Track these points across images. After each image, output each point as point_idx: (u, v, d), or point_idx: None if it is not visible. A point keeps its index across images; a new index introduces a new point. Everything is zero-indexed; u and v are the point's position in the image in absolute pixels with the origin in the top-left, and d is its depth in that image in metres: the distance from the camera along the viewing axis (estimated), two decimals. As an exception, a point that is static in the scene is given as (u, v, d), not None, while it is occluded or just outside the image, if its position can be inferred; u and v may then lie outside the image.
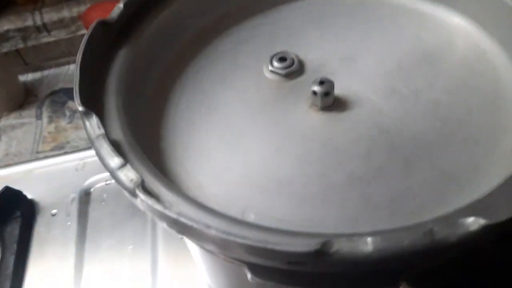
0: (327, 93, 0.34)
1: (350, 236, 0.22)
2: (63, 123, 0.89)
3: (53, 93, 0.95)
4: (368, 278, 0.25)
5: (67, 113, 0.90)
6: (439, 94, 0.35)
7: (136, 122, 0.32)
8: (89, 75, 0.31)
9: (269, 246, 0.21)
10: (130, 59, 0.34)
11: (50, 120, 0.90)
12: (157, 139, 0.33)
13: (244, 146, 0.33)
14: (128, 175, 0.25)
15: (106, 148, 0.26)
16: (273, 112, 0.35)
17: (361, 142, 0.33)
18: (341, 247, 0.21)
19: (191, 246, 0.38)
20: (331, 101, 0.35)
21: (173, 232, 0.51)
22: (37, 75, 1.00)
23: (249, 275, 0.26)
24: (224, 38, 0.41)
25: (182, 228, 0.23)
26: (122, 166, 0.25)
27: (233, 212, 0.29)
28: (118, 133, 0.29)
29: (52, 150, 0.86)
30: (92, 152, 0.61)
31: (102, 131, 0.27)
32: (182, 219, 0.22)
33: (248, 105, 0.36)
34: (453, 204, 0.28)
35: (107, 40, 0.35)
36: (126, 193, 0.25)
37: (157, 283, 0.51)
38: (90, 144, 0.28)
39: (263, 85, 0.37)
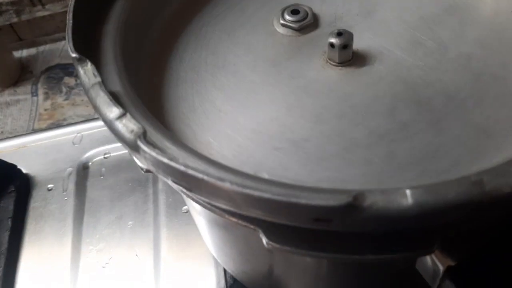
0: (345, 46, 0.31)
1: (385, 189, 0.19)
2: (59, 99, 0.86)
3: (49, 69, 0.91)
4: (398, 242, 0.23)
5: (64, 89, 0.87)
6: (470, 47, 0.31)
7: (136, 76, 0.29)
8: (84, 21, 0.27)
9: (293, 200, 0.18)
10: (129, 7, 0.31)
11: (46, 97, 0.87)
12: (160, 96, 0.30)
13: (255, 103, 0.30)
14: (128, 125, 0.22)
15: (102, 97, 0.23)
16: (285, 68, 0.32)
17: (384, 98, 0.30)
18: (376, 200, 0.18)
19: (197, 215, 0.35)
20: (349, 55, 0.32)
21: (176, 204, 0.48)
22: (32, 50, 0.96)
23: (264, 240, 0.23)
24: (231, -9, 0.38)
25: (191, 182, 0.20)
26: (121, 116, 0.22)
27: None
28: (116, 85, 0.26)
29: (48, 127, 0.83)
30: (89, 124, 0.58)
31: (98, 79, 0.24)
32: (191, 171, 0.19)
33: (258, 61, 0.33)
34: (491, 161, 0.25)
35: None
36: (126, 147, 0.22)
37: (160, 261, 0.48)
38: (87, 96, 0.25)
39: (274, 39, 0.34)
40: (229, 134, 0.29)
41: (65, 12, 0.97)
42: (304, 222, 0.20)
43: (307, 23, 0.34)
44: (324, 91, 0.31)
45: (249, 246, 0.32)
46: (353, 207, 0.18)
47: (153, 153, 0.20)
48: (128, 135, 0.21)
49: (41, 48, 0.96)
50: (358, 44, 0.32)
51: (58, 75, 0.90)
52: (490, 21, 0.33)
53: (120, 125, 0.22)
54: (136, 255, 0.48)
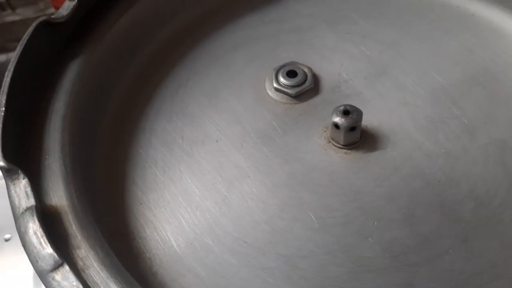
0: (353, 128, 0.25)
1: None
2: (29, 115, 0.79)
3: (19, 79, 0.84)
4: None
5: (34, 103, 0.80)
6: (503, 132, 0.26)
7: (90, 172, 0.23)
8: (22, 103, 0.21)
9: None
10: (83, 76, 0.25)
11: (15, 111, 0.80)
12: (120, 192, 0.24)
13: (240, 198, 0.25)
14: (64, 285, 0.16)
15: (33, 234, 0.17)
16: (279, 148, 0.26)
17: (399, 199, 0.24)
18: None
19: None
20: (357, 137, 0.26)
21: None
22: (1, 57, 0.89)
23: None
24: (213, 40, 0.31)
25: None
26: (57, 267, 0.16)
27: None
28: (59, 195, 0.20)
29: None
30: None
31: (31, 201, 0.18)
32: None
33: (246, 137, 0.27)
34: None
35: (52, 48, 0.25)
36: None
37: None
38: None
39: (265, 107, 0.28)
40: (206, 244, 0.23)
41: (38, 17, 0.89)
42: None
43: (305, 88, 0.28)
44: (326, 183, 0.25)
45: None
46: None
47: None
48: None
49: (11, 55, 0.89)
50: (367, 118, 0.27)
51: (29, 86, 0.83)
52: (527, 97, 0.27)
53: (54, 283, 0.16)
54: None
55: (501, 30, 0.30)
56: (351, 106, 0.25)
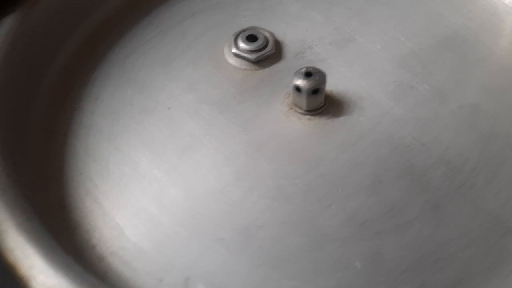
0: (316, 90, 0.23)
1: None
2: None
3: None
4: None
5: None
6: (476, 96, 0.24)
7: (23, 139, 0.20)
8: None
9: None
10: (17, 35, 0.23)
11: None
12: (58, 162, 0.22)
13: (193, 167, 0.22)
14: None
15: None
16: (237, 116, 0.24)
17: (365, 166, 0.22)
18: None
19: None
20: (321, 101, 0.24)
21: None
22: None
23: None
24: (170, 7, 0.29)
25: None
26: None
27: (173, 279, 0.18)
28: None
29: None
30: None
31: None
32: None
33: (201, 104, 0.25)
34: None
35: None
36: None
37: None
38: None
39: (223, 74, 0.26)
40: (153, 214, 0.21)
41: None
42: None
43: (267, 54, 0.26)
44: (286, 151, 0.23)
45: None
46: None
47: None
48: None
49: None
50: (332, 84, 0.25)
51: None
52: (499, 60, 0.26)
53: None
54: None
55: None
56: (313, 68, 0.23)
